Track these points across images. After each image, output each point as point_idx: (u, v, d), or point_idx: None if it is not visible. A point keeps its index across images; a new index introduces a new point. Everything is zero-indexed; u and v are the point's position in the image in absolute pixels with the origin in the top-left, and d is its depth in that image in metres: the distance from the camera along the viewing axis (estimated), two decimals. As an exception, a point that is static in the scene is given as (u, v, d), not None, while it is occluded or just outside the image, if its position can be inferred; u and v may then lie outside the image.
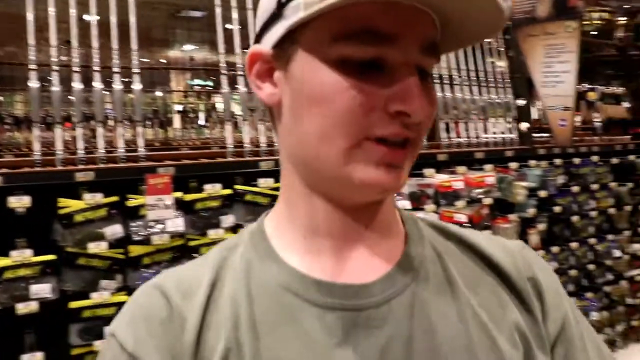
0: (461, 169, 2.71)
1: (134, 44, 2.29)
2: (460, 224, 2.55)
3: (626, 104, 4.68)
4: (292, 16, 0.53)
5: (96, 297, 1.89)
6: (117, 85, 2.25)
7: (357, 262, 0.59)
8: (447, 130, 2.93)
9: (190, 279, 0.60)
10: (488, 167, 2.78)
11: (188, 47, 10.51)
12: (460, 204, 2.60)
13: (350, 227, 0.59)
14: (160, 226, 2.03)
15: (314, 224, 0.59)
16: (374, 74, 0.52)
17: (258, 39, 0.60)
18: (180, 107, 8.56)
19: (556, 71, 3.16)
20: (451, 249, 0.64)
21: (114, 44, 2.21)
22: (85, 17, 2.20)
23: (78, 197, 1.92)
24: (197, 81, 11.33)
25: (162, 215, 2.01)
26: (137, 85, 2.27)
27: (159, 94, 9.09)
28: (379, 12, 0.50)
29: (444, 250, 0.63)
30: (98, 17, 2.21)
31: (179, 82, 11.13)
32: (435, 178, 2.61)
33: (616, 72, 4.59)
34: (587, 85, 4.81)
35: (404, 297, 0.57)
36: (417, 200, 2.54)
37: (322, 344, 0.54)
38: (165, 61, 10.78)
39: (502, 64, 3.33)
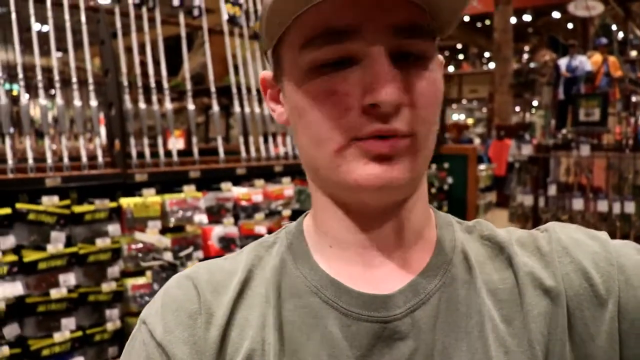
0: (259, 182, 2.80)
1: None
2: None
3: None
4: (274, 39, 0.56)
5: None
6: None
7: (384, 272, 0.58)
8: (246, 144, 3.01)
9: (222, 274, 0.60)
10: (286, 179, 2.92)
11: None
12: (259, 216, 2.70)
13: (376, 235, 0.57)
14: None
15: (338, 233, 0.59)
16: (349, 72, 0.51)
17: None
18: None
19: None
20: (483, 254, 0.61)
21: None
22: None
23: None
24: None
25: None
26: None
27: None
28: (335, 10, 0.50)
29: (475, 256, 0.60)
30: None
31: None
32: (234, 191, 2.67)
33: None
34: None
35: (427, 307, 0.56)
36: (216, 213, 2.58)
37: (346, 354, 0.54)
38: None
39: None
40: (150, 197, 2.44)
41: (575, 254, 0.58)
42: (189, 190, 2.56)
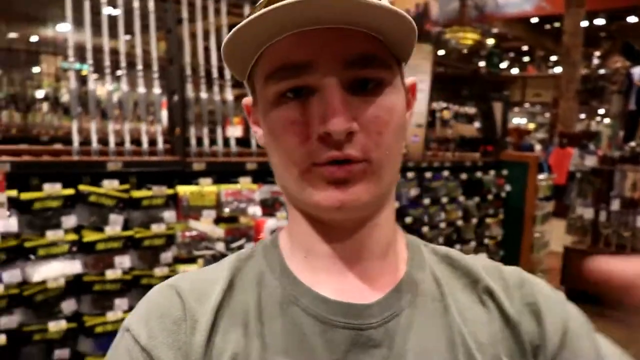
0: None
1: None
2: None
3: (477, 124, 5.07)
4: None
5: None
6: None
7: (357, 283, 0.61)
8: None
9: (205, 283, 0.62)
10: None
11: (63, 26, 9.86)
12: (311, 212, 2.68)
13: (347, 247, 0.61)
14: (-13, 226, 1.90)
15: (310, 245, 0.62)
16: (309, 102, 0.55)
17: None
18: (43, 92, 7.91)
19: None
20: (449, 275, 0.66)
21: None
22: None
23: None
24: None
25: (-10, 215, 1.89)
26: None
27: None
28: (292, 45, 0.54)
29: (442, 277, 0.65)
30: None
31: (50, 64, 10.39)
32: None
33: (470, 93, 4.95)
34: (442, 104, 5.17)
35: (400, 319, 0.59)
36: (270, 206, 2.59)
37: (323, 359, 0.56)
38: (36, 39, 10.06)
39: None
40: (207, 186, 2.46)
41: (535, 295, 0.64)
42: (245, 182, 2.57)
